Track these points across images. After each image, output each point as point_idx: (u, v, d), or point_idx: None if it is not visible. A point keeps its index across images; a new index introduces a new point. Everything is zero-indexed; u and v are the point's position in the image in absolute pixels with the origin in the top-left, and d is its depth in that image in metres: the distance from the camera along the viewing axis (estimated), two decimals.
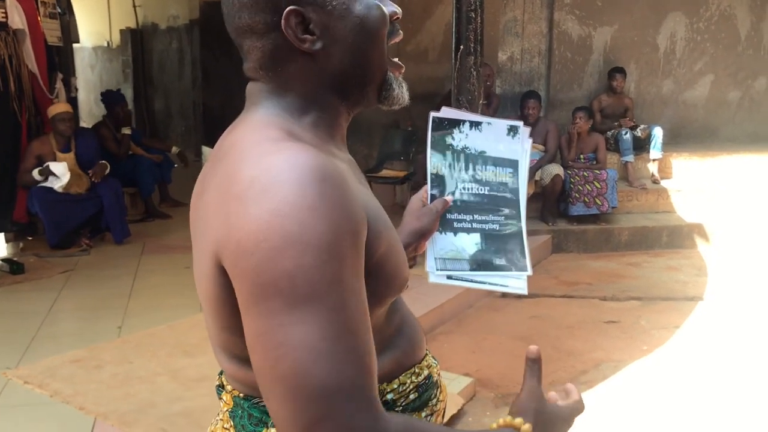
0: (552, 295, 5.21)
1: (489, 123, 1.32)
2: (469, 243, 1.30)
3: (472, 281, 1.31)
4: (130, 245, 6.00)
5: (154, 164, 7.27)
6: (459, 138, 1.29)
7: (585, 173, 6.49)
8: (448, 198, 1.28)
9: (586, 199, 6.45)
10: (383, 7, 0.97)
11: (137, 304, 4.57)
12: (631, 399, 3.60)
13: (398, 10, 1.01)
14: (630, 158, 7.05)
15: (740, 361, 4.06)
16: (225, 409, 1.02)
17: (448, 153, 1.29)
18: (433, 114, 1.28)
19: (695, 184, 7.16)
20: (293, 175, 0.80)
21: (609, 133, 7.17)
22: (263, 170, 0.82)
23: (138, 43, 12.96)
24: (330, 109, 0.99)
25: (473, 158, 1.31)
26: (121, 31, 13.08)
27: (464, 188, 1.30)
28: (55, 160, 5.91)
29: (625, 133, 7.04)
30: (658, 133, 7.12)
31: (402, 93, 1.03)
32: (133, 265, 5.44)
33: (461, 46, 4.66)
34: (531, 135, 5.38)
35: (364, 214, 0.86)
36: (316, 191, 0.80)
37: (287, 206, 0.78)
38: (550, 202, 6.56)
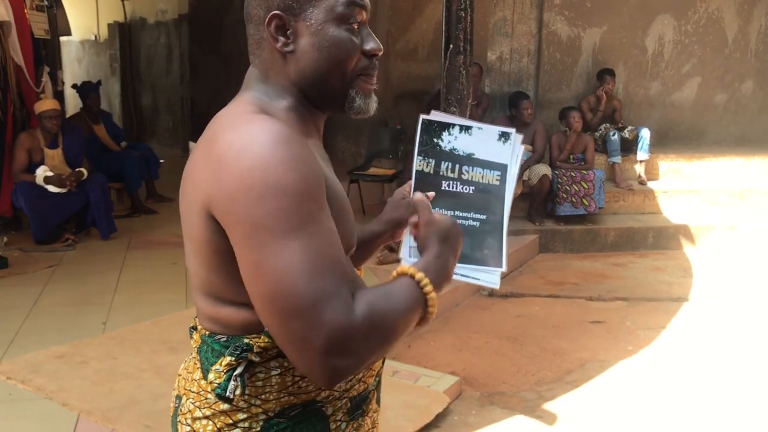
0: (538, 295, 5.23)
1: (480, 128, 1.37)
2: None
3: None
4: (116, 241, 5.96)
5: (142, 160, 7.23)
6: (448, 140, 1.36)
7: (572, 173, 6.51)
8: (430, 194, 1.35)
9: (574, 200, 6.47)
10: (355, 41, 1.13)
11: (122, 300, 4.54)
12: (615, 398, 3.62)
13: (379, 46, 1.16)
14: (617, 159, 7.09)
15: (725, 361, 4.09)
16: (195, 346, 1.18)
17: (436, 153, 1.35)
18: (423, 117, 1.34)
19: (681, 185, 7.20)
20: (264, 137, 0.99)
21: (597, 134, 7.20)
22: (238, 135, 1.01)
23: (126, 37, 12.88)
24: (300, 102, 1.15)
25: (461, 159, 1.37)
26: (109, 25, 12.99)
27: (448, 185, 1.37)
28: (42, 155, 5.87)
29: (613, 134, 7.07)
30: (645, 134, 7.16)
31: (365, 104, 1.17)
32: (119, 261, 5.41)
33: (451, 45, 4.65)
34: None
35: (323, 173, 1.05)
36: (285, 149, 0.98)
37: (263, 162, 0.97)
38: (537, 202, 6.58)
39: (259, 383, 1.10)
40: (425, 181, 1.36)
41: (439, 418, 3.28)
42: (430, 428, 3.20)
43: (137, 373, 3.38)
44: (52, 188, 5.76)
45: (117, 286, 4.81)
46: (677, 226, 6.70)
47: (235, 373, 1.07)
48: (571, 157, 6.68)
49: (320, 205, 1.00)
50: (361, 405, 1.21)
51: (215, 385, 1.09)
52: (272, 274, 0.95)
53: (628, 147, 7.26)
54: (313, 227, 0.97)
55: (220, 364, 1.09)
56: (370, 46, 1.15)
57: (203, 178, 1.03)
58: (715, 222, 6.74)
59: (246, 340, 1.09)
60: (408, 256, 1.34)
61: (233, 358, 1.08)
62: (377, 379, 1.27)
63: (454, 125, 1.36)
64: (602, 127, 7.26)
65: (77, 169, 5.94)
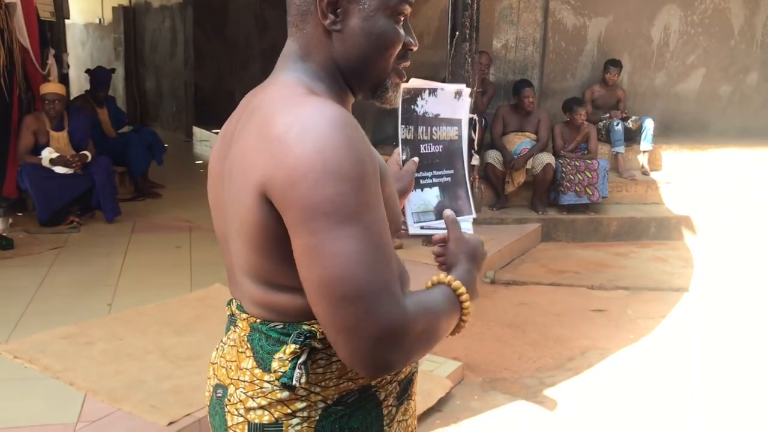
0: (540, 283, 5.25)
1: (442, 89, 1.48)
2: (432, 196, 1.49)
3: (437, 228, 1.50)
4: (120, 224, 5.99)
5: (145, 144, 7.24)
6: (421, 104, 1.46)
7: (576, 163, 6.52)
8: (415, 160, 1.45)
9: (577, 189, 6.48)
10: (401, 34, 1.14)
11: (127, 282, 4.57)
12: (616, 386, 3.65)
13: (415, 42, 1.18)
14: (621, 149, 7.10)
15: (724, 351, 4.12)
16: (242, 334, 1.15)
17: (413, 119, 1.46)
18: (403, 85, 1.40)
19: (684, 176, 7.21)
20: (324, 121, 0.97)
21: (600, 124, 7.21)
22: (298, 117, 0.99)
23: (130, 21, 12.87)
24: (339, 83, 1.15)
25: (431, 121, 1.48)
26: (114, 9, 12.97)
27: (425, 148, 1.48)
28: (48, 138, 5.89)
29: (617, 124, 7.07)
30: (649, 125, 7.16)
31: (394, 97, 1.20)
32: (123, 243, 5.43)
33: (457, 32, 4.66)
34: (524, 124, 5.47)
35: (378, 158, 1.05)
36: (344, 134, 0.97)
37: (324, 145, 0.95)
38: (540, 191, 6.59)
39: (320, 370, 1.09)
40: (409, 148, 1.45)
41: (442, 402, 3.32)
42: (432, 412, 3.24)
43: (143, 354, 3.41)
44: (59, 169, 5.78)
45: (122, 269, 4.84)
46: (679, 216, 6.72)
47: (299, 361, 1.06)
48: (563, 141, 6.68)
49: (376, 192, 0.99)
50: (407, 388, 1.22)
51: (280, 374, 1.07)
52: (328, 258, 0.94)
53: (632, 137, 7.27)
54: (370, 216, 0.96)
55: (284, 353, 1.07)
56: (408, 40, 1.17)
57: (259, 160, 1.00)
58: (717, 213, 6.75)
59: (306, 327, 1.08)
60: (412, 222, 1.43)
61: (297, 346, 1.06)
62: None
63: (425, 90, 1.45)
64: (605, 116, 7.27)
65: (81, 152, 5.96)
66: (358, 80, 1.15)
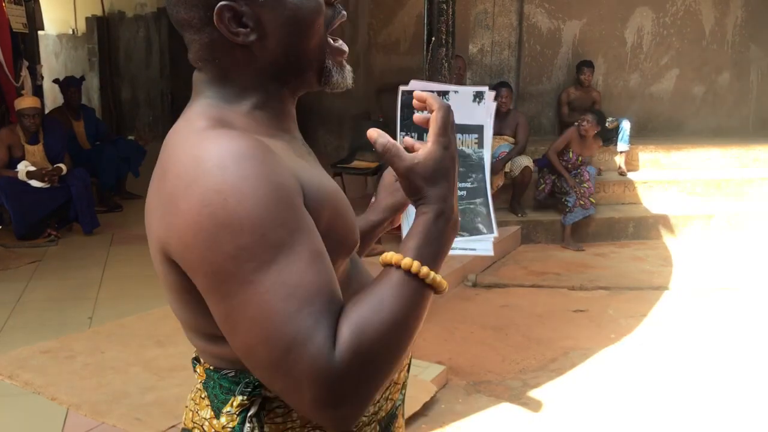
0: (521, 285, 5.28)
1: (456, 92, 1.32)
2: None
3: None
4: (99, 236, 5.93)
5: (122, 156, 7.17)
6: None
7: (575, 176, 6.48)
8: None
9: (582, 202, 6.41)
10: None
11: (107, 295, 4.53)
12: (599, 385, 3.68)
13: None
14: None
15: (704, 347, 4.17)
16: (199, 381, 1.05)
17: (416, 125, 1.23)
18: (402, 88, 1.27)
19: (661, 176, 7.29)
20: (212, 163, 0.84)
21: (575, 124, 7.25)
22: (187, 165, 0.86)
23: (104, 31, 12.75)
24: (272, 95, 1.00)
25: None
26: (87, 19, 12.85)
27: None
28: (23, 151, 5.83)
29: None
30: (626, 125, 7.22)
31: (342, 78, 1.03)
32: (102, 256, 5.38)
33: (433, 38, 4.68)
34: (502, 127, 5.45)
35: (296, 182, 0.89)
36: (237, 173, 0.83)
37: (212, 194, 0.82)
38: (519, 194, 6.63)
39: (279, 419, 0.97)
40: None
41: (427, 406, 3.33)
42: (417, 417, 3.24)
43: (125, 367, 3.38)
44: (35, 183, 5.73)
45: (102, 281, 4.80)
46: (657, 216, 6.79)
47: (249, 414, 0.95)
48: (580, 158, 6.55)
49: (292, 226, 0.84)
50: (389, 427, 1.09)
51: (228, 429, 0.96)
52: (243, 324, 0.82)
53: (609, 138, 7.33)
54: (284, 258, 0.82)
55: (232, 405, 0.96)
56: None
57: (156, 218, 0.91)
58: (694, 212, 6.84)
59: None
60: None
61: (245, 397, 0.95)
62: (404, 391, 1.14)
63: (432, 92, 1.22)
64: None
65: (56, 165, 5.91)
66: (300, 74, 1.00)
